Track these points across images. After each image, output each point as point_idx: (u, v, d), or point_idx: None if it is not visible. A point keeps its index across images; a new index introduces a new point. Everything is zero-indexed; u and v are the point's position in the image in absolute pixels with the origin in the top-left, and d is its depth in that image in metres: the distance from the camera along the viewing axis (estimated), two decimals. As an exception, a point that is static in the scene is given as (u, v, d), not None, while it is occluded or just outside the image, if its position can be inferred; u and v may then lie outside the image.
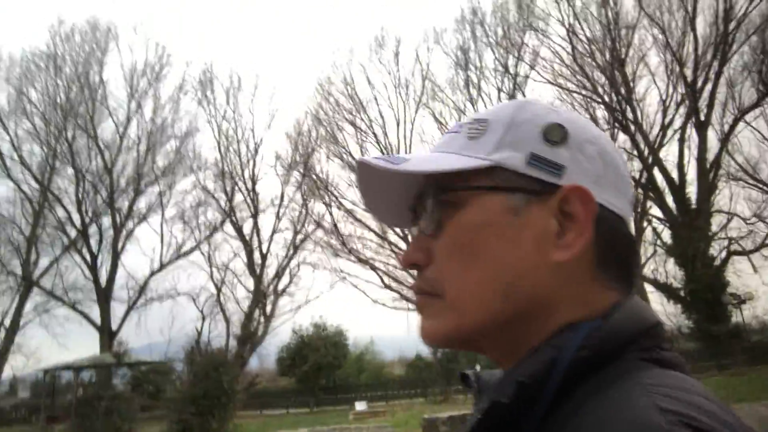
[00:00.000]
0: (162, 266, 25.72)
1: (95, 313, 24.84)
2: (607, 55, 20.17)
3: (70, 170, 26.89)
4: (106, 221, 26.82)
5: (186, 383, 13.51)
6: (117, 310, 25.17)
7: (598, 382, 0.52)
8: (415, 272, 0.67)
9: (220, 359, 13.39)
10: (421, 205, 0.66)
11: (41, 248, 27.03)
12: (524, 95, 21.93)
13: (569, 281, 0.60)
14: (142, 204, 27.42)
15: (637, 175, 20.54)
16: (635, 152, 19.75)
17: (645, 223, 23.37)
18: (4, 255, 26.63)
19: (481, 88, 23.78)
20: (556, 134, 0.63)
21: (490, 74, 23.28)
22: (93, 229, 26.53)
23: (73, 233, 26.24)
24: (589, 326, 0.56)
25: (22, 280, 25.84)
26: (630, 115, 19.76)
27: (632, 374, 0.51)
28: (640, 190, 21.67)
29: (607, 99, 19.91)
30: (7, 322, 25.90)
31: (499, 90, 23.07)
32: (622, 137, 21.85)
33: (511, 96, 22.72)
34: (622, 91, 19.87)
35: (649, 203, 21.89)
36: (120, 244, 26.37)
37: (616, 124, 20.09)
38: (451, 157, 0.64)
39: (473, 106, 23.87)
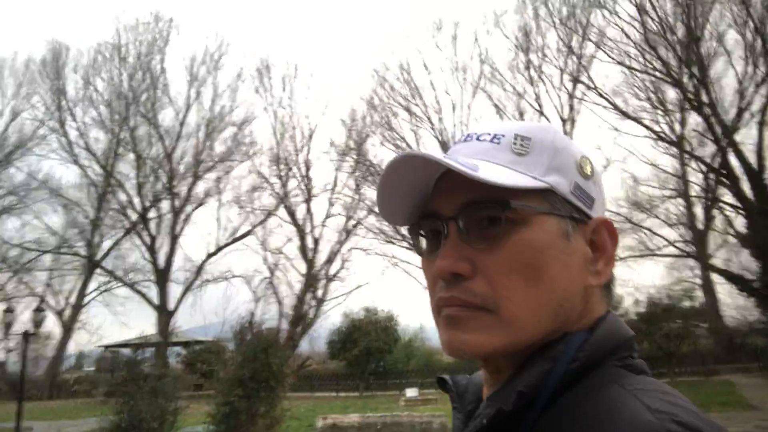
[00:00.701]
0: (218, 249, 26.17)
1: (153, 294, 25.53)
2: (680, 33, 18.99)
3: (132, 156, 27.69)
4: (165, 205, 27.49)
5: (235, 364, 13.32)
6: (174, 291, 25.79)
7: (586, 387, 0.58)
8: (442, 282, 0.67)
9: (270, 340, 13.09)
10: (469, 215, 0.66)
11: (104, 231, 28.00)
12: (589, 76, 21.00)
13: (588, 302, 0.67)
14: (199, 189, 27.97)
15: (710, 159, 19.29)
16: (710, 135, 18.51)
17: (715, 211, 22.02)
18: (70, 237, 27.80)
19: (543, 70, 22.99)
20: (588, 168, 0.69)
21: (552, 56, 22.44)
22: (153, 213, 27.25)
23: (134, 217, 27.00)
24: (579, 339, 0.62)
25: (86, 261, 26.82)
26: (705, 98, 18.51)
27: (616, 381, 0.57)
28: (712, 175, 20.38)
29: (680, 80, 18.71)
30: (73, 299, 26.96)
31: (562, 71, 22.19)
32: (694, 119, 20.63)
33: (576, 78, 21.79)
34: (696, 71, 18.65)
35: (721, 190, 20.57)
36: (178, 228, 26.97)
37: (689, 106, 18.91)
38: (510, 173, 0.65)
39: (534, 88, 23.09)
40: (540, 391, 0.59)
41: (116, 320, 27.03)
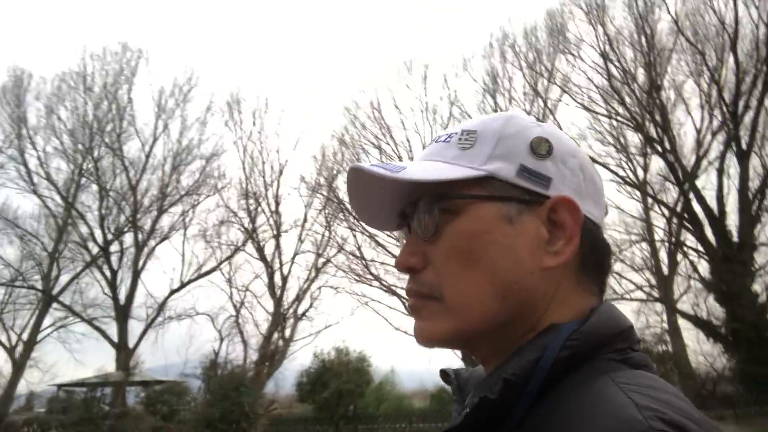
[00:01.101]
0: (182, 285, 25.43)
1: (112, 331, 24.57)
2: (641, 81, 19.66)
3: (95, 187, 26.96)
4: (128, 239, 26.72)
5: (201, 404, 12.59)
6: (135, 328, 24.86)
7: (576, 380, 0.57)
8: (407, 276, 0.71)
9: (240, 378, 12.49)
10: (416, 211, 0.70)
11: (63, 264, 27.00)
12: (555, 120, 21.45)
13: (557, 285, 0.66)
14: (164, 222, 27.31)
15: (673, 204, 19.80)
16: (672, 179, 19.03)
17: (679, 256, 22.49)
18: (26, 270, 26.68)
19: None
20: (542, 148, 0.68)
21: (519, 99, 22.90)
22: (115, 247, 26.43)
23: (95, 250, 26.15)
24: (569, 328, 0.61)
25: (42, 295, 25.73)
26: (666, 144, 19.10)
27: (607, 374, 0.56)
28: (675, 220, 20.88)
29: (643, 126, 19.29)
30: (25, 336, 25.73)
31: (528, 114, 22.59)
32: (657, 165, 21.22)
33: (541, 122, 22.20)
34: (658, 117, 19.27)
35: (684, 234, 21.08)
36: (141, 262, 26.17)
37: (651, 151, 19.46)
38: (446, 167, 0.68)
39: (502, 131, 23.39)
40: (527, 380, 0.58)
41: (72, 358, 25.72)
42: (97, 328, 24.76)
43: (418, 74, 25.38)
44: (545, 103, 21.65)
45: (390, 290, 22.16)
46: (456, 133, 0.72)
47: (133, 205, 26.66)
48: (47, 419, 22.94)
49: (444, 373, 0.80)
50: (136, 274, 25.88)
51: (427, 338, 0.68)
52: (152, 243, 26.88)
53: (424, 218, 0.69)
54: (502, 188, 0.67)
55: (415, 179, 0.66)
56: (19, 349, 26.02)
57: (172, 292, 25.42)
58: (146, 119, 30.47)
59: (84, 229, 26.44)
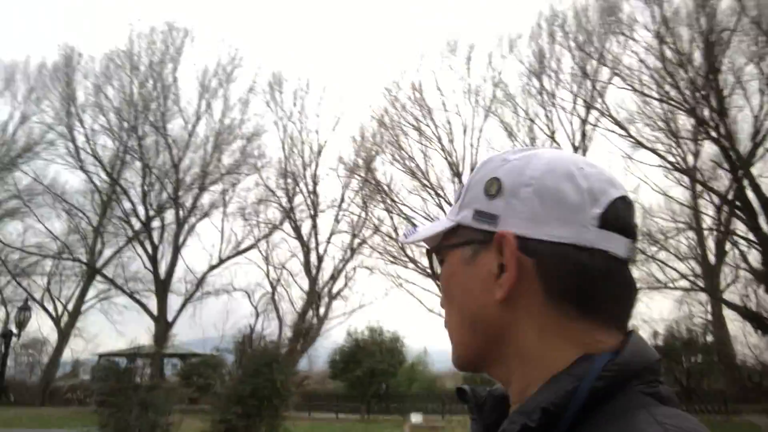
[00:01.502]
0: (221, 262, 25.83)
1: (153, 304, 25.13)
2: (697, 64, 18.82)
3: (138, 165, 27.53)
4: (170, 215, 27.24)
5: (234, 379, 12.50)
6: (174, 302, 25.41)
7: (612, 411, 0.59)
8: None
9: (273, 354, 12.33)
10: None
11: (106, 238, 27.72)
12: (603, 103, 20.81)
13: (523, 312, 0.68)
14: (205, 200, 27.73)
15: (725, 191, 18.98)
16: (726, 166, 18.22)
17: (728, 245, 21.60)
18: (72, 243, 27.51)
19: (556, 95, 22.83)
20: (492, 188, 0.72)
21: (566, 81, 22.30)
22: (156, 223, 26.98)
23: (137, 225, 26.75)
24: (604, 358, 0.62)
25: (86, 268, 26.49)
26: (722, 130, 18.26)
27: (644, 408, 0.58)
28: (725, 208, 20.03)
29: (696, 110, 18.49)
30: (70, 306, 26.56)
31: (575, 96, 22.03)
32: (708, 151, 20.37)
33: (589, 104, 21.61)
34: (714, 102, 18.43)
35: (734, 223, 20.21)
36: (181, 239, 26.68)
37: (704, 135, 18.65)
38: (437, 223, 0.78)
39: (546, 113, 22.93)
40: (564, 409, 0.59)
41: (114, 329, 26.50)
42: (138, 301, 25.38)
43: (462, 55, 24.89)
44: (593, 85, 21.00)
45: (425, 272, 21.97)
46: (461, 188, 0.79)
47: (175, 183, 27.15)
48: (90, 386, 23.73)
49: (461, 391, 0.83)
50: (176, 250, 26.40)
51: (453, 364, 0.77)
52: (193, 220, 27.40)
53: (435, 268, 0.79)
54: (465, 234, 0.73)
55: (415, 240, 0.79)
56: (65, 319, 26.94)
57: (211, 268, 25.87)
58: (190, 98, 30.97)
59: (127, 205, 27.08)
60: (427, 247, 0.81)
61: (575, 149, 22.76)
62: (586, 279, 0.66)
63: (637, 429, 0.54)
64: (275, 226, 25.56)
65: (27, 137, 28.22)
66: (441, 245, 0.76)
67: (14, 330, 13.40)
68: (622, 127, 20.68)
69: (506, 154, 0.76)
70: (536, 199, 0.69)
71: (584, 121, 22.67)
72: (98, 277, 26.69)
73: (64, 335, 25.78)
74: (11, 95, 29.00)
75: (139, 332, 24.30)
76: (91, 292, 27.14)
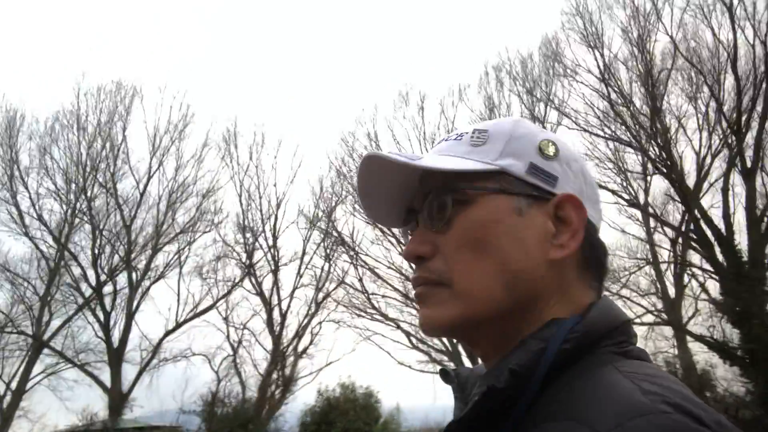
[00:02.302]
0: (177, 326, 24.72)
1: (106, 376, 23.64)
2: (639, 104, 19.64)
3: (88, 227, 26.42)
4: (122, 279, 26.06)
5: None
6: (129, 372, 23.97)
7: (579, 370, 0.60)
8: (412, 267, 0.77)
9: (249, 414, 11.44)
10: (429, 202, 0.73)
11: (54, 308, 26.22)
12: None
13: (559, 278, 0.69)
14: (159, 261, 26.72)
15: (678, 225, 19.52)
16: (677, 199, 18.80)
17: (686, 277, 22.08)
18: (16, 315, 25.87)
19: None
20: (550, 150, 0.74)
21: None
22: (108, 288, 25.74)
23: (88, 292, 25.46)
24: (571, 322, 0.64)
25: (32, 341, 24.87)
26: (670, 165, 18.93)
27: (609, 364, 0.60)
28: (680, 240, 20.56)
29: (644, 147, 19.16)
30: (14, 385, 24.75)
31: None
32: (661, 186, 21.01)
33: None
34: (659, 140, 19.15)
35: (690, 255, 20.74)
36: (135, 303, 25.46)
37: (654, 171, 19.28)
38: (460, 160, 0.73)
39: (501, 157, 23.28)
40: (533, 371, 0.60)
41: (63, 406, 24.69)
42: (90, 374, 23.87)
43: (415, 104, 25.27)
44: (543, 127, 21.53)
45: (393, 324, 21.58)
46: (467, 132, 0.75)
47: (127, 245, 26.11)
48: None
49: (444, 372, 0.80)
50: (130, 316, 25.12)
51: (433, 325, 0.69)
52: (147, 283, 26.26)
53: (436, 208, 0.72)
54: (513, 183, 0.71)
55: (435, 167, 0.70)
56: (7, 399, 25.01)
57: (167, 333, 24.70)
58: (141, 157, 30.14)
59: (77, 271, 25.81)
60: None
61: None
62: (604, 256, 0.74)
63: (603, 382, 0.56)
64: (235, 283, 24.78)
65: (-35, 205, 26.77)
66: (469, 185, 0.71)
67: None
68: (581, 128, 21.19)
69: (534, 124, 0.77)
70: (582, 177, 0.75)
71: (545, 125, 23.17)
72: (46, 351, 25.03)
73: (6, 417, 23.87)
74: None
75: (92, 407, 22.70)
76: (38, 368, 25.36)
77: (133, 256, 26.10)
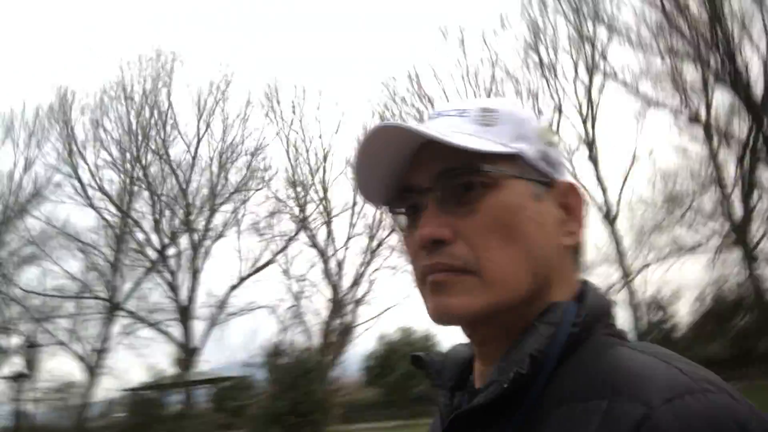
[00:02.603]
0: (240, 281, 25.56)
1: (178, 332, 24.84)
2: (696, 11, 18.13)
3: (146, 194, 27.34)
4: (184, 241, 27.00)
5: (268, 396, 11.61)
6: (199, 327, 25.10)
7: (589, 352, 0.63)
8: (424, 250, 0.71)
9: (309, 363, 11.49)
10: (448, 182, 0.69)
11: (124, 272, 27.53)
12: (608, 66, 20.16)
13: (562, 264, 0.71)
14: (217, 221, 27.50)
15: (745, 139, 18.23)
16: (744, 113, 17.49)
17: (755, 197, 20.82)
18: (91, 281, 27.35)
19: (556, 65, 22.19)
20: (552, 138, 0.75)
21: (565, 49, 21.67)
22: (172, 250, 26.76)
23: (153, 255, 26.54)
24: (571, 306, 0.67)
25: (108, 304, 26.33)
26: (734, 75, 17.54)
27: (617, 345, 0.63)
28: (747, 157, 19.27)
29: (704, 58, 17.79)
30: (97, 345, 26.41)
31: (576, 64, 21.43)
32: (724, 100, 19.59)
33: (592, 68, 20.97)
34: (721, 49, 17.73)
35: (761, 174, 19.46)
36: (198, 263, 26.45)
37: (717, 83, 17.95)
38: (478, 140, 0.69)
39: (549, 85, 22.26)
40: (546, 355, 0.62)
41: (142, 363, 26.23)
42: (162, 331, 25.13)
43: (455, 39, 24.26)
44: (593, 48, 20.34)
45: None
46: (471, 109, 0.73)
47: (185, 208, 26.95)
48: (121, 423, 23.55)
49: (417, 358, 0.80)
50: (195, 275, 26.17)
51: (457, 315, 0.67)
52: (208, 242, 27.15)
53: (462, 189, 0.69)
54: (528, 169, 0.71)
55: (464, 146, 0.66)
56: (92, 358, 26.76)
57: (232, 288, 25.62)
58: (188, 121, 30.61)
59: (141, 236, 26.90)
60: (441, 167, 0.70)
61: (584, 120, 22.13)
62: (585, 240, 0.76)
63: (635, 361, 0.59)
64: (290, 237, 25.21)
65: (33, 182, 28.14)
66: (493, 168, 0.68)
67: (27, 371, 13.09)
68: (628, 86, 20.06)
69: (518, 102, 0.80)
70: (563, 160, 0.78)
71: (589, 88, 21.98)
72: (121, 312, 26.50)
73: (93, 375, 25.61)
74: (12, 143, 28.94)
75: (167, 362, 24.00)
76: (116, 328, 26.97)
77: (192, 218, 26.96)
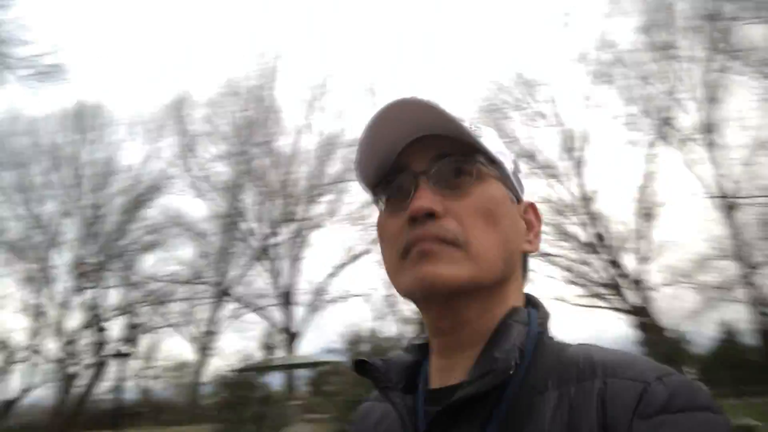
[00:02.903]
0: (338, 269, 26.20)
1: (280, 317, 25.82)
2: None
3: (252, 186, 28.61)
4: (286, 230, 27.99)
5: (349, 382, 11.72)
6: (299, 313, 26.01)
7: (549, 350, 0.72)
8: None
9: (389, 350, 11.58)
10: (445, 165, 0.76)
11: (231, 260, 29.01)
12: (732, 41, 18.30)
13: (518, 268, 0.81)
14: (318, 210, 28.33)
15: None
16: None
17: None
18: (201, 267, 29.11)
19: (673, 46, 20.50)
20: (518, 164, 0.86)
21: (684, 27, 19.98)
22: (275, 239, 27.82)
23: (257, 244, 27.73)
24: (532, 311, 0.77)
25: (217, 290, 27.87)
26: None
27: (569, 344, 0.74)
28: None
29: None
30: (205, 328, 28.04)
31: (697, 43, 19.69)
32: None
33: (716, 47, 19.13)
34: None
35: None
36: (299, 251, 27.33)
37: None
38: (499, 148, 0.82)
39: (663, 67, 20.61)
40: (523, 349, 0.71)
41: (246, 345, 27.57)
42: (265, 316, 26.23)
43: (563, 22, 23.16)
44: (716, 24, 18.52)
45: (548, 257, 20.61)
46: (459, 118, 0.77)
47: (287, 199, 27.93)
48: (224, 402, 24.78)
49: (361, 362, 0.81)
50: (295, 262, 27.12)
51: (442, 282, 0.71)
52: (307, 231, 27.98)
53: (460, 173, 0.76)
54: (506, 177, 0.81)
55: (483, 145, 0.76)
56: (202, 340, 28.50)
57: (329, 276, 26.30)
58: (292, 115, 31.73)
59: (247, 226, 28.22)
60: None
61: (701, 104, 20.33)
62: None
63: (594, 352, 0.69)
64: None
65: (152, 176, 30.38)
66: (485, 162, 0.77)
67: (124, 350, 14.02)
68: (754, 68, 18.09)
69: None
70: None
71: (710, 69, 20.07)
72: (229, 297, 27.95)
73: (203, 355, 27.22)
74: (134, 140, 31.46)
75: (268, 345, 25.04)
76: (223, 312, 28.50)
77: (293, 208, 27.89)
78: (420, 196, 0.73)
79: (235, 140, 28.98)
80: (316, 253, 29.02)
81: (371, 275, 30.77)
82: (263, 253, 27.38)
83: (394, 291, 0.81)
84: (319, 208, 28.41)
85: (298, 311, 26.10)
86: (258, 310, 26.47)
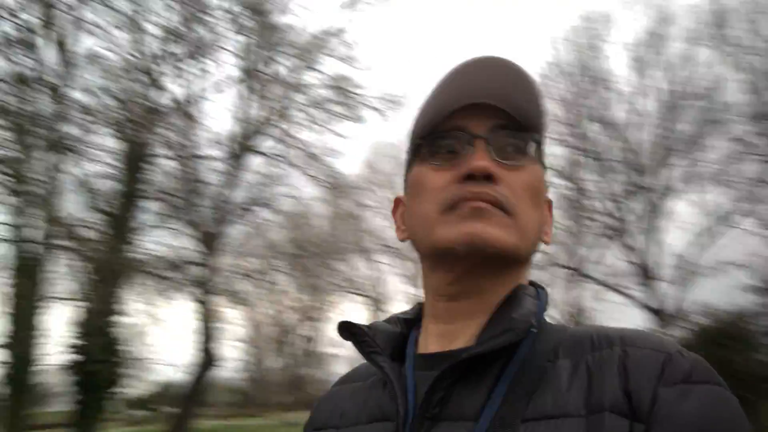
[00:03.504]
0: (703, 237, 23.03)
1: (644, 296, 24.14)
2: None
3: (591, 161, 27.52)
4: (637, 202, 26.09)
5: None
6: (666, 289, 23.76)
7: (551, 326, 0.76)
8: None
9: (734, 329, 9.80)
10: (508, 136, 0.77)
11: (583, 240, 28.38)
12: None
13: (533, 255, 0.83)
14: (671, 175, 25.50)
15: None
16: None
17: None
18: (556, 251, 29.22)
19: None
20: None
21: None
22: (625, 213, 26.19)
23: (606, 220, 26.56)
24: (538, 289, 0.80)
25: (573, 272, 27.65)
26: None
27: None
28: None
29: None
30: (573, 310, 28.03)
31: None
32: None
33: None
34: None
35: None
36: (655, 222, 25.12)
37: None
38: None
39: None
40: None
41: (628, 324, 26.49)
42: (626, 294, 24.86)
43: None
44: None
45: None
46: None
47: (636, 168, 26.01)
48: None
49: (347, 325, 0.82)
50: (652, 235, 24.94)
51: (493, 243, 0.72)
52: (662, 200, 25.51)
53: (522, 146, 0.77)
54: (545, 167, 0.84)
55: (536, 118, 0.79)
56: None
57: (694, 246, 23.50)
58: (625, 78, 28.97)
59: (592, 203, 27.25)
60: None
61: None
62: None
63: (604, 325, 0.72)
64: (762, 180, 21.09)
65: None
66: (541, 146, 0.80)
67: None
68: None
69: None
70: None
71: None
72: (587, 279, 27.47)
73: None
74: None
75: (640, 325, 23.55)
76: (586, 295, 28.09)
77: (643, 178, 25.77)
78: (480, 157, 0.74)
79: (568, 119, 28.32)
80: (677, 222, 25.96)
81: (750, 240, 26.14)
82: (614, 229, 25.98)
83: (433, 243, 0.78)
84: (674, 172, 25.49)
85: (665, 288, 23.90)
86: (619, 290, 25.23)
